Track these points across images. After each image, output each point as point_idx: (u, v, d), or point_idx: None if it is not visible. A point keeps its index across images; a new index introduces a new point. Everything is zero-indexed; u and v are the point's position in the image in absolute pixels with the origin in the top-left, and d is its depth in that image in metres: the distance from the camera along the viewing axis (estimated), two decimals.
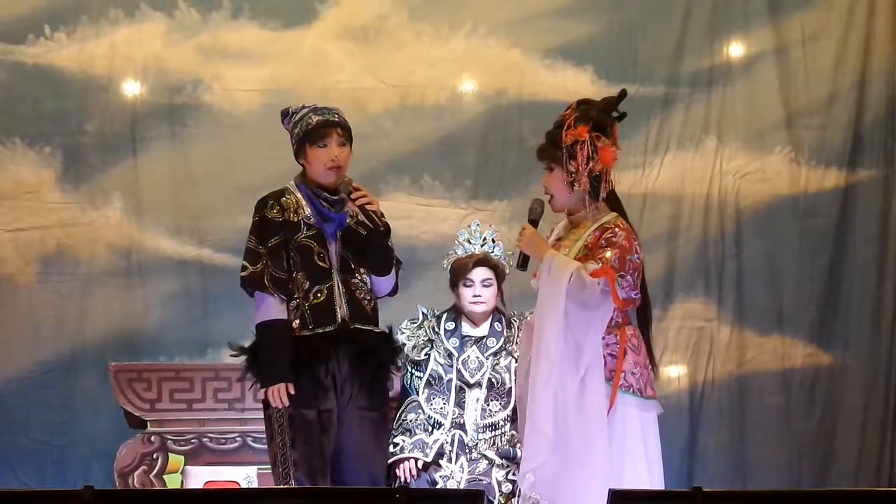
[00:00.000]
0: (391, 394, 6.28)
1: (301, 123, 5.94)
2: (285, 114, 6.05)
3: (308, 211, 5.89)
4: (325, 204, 5.88)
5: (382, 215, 5.92)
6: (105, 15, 7.79)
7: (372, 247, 5.91)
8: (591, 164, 5.57)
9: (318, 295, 5.80)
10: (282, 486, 5.82)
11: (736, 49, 8.00)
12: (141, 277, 7.73)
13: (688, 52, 7.96)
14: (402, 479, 6.25)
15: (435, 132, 7.93)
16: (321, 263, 5.83)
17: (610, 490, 4.76)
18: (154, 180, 7.78)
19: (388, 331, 6.05)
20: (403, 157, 7.84)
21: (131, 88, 7.81)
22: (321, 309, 5.80)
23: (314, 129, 5.90)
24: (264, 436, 7.40)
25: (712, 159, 7.95)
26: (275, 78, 7.84)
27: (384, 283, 6.01)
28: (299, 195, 5.92)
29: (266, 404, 5.86)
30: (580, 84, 7.82)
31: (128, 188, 7.77)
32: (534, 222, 5.70)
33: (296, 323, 5.80)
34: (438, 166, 7.91)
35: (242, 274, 5.88)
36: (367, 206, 5.84)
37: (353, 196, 5.86)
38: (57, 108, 7.76)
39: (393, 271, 6.00)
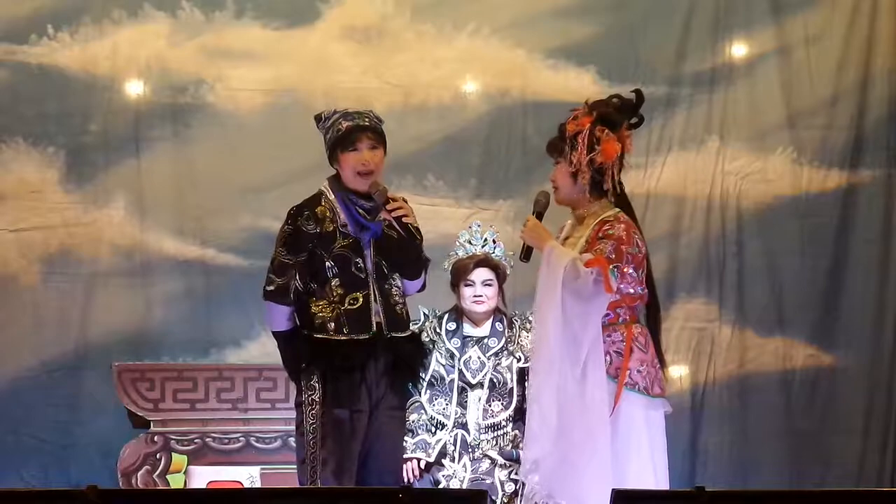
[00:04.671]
0: None
1: (332, 129, 5.83)
2: (318, 119, 5.90)
3: (343, 218, 5.78)
4: (360, 211, 5.79)
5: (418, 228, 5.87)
6: (108, 15, 7.79)
7: (408, 257, 5.87)
8: (591, 155, 5.59)
9: (354, 301, 5.74)
10: (285, 487, 5.82)
11: (738, 49, 8.01)
12: (144, 277, 7.74)
13: (690, 53, 7.97)
14: (405, 480, 6.25)
15: (438, 132, 7.93)
16: (358, 273, 5.76)
17: (613, 490, 4.77)
18: (157, 180, 7.79)
19: (417, 331, 6.08)
20: (407, 157, 7.83)
21: (134, 88, 7.82)
22: (357, 315, 5.74)
23: (344, 134, 5.80)
24: (267, 436, 7.49)
25: (714, 160, 7.96)
26: (278, 78, 7.85)
27: (414, 285, 5.99)
28: (334, 201, 5.80)
29: (299, 401, 5.82)
30: (583, 84, 7.83)
31: (131, 188, 7.78)
32: (538, 214, 5.71)
33: (330, 325, 5.73)
34: (442, 166, 7.91)
35: (269, 287, 5.73)
36: (404, 219, 5.78)
37: (388, 207, 5.78)
38: (60, 109, 7.77)
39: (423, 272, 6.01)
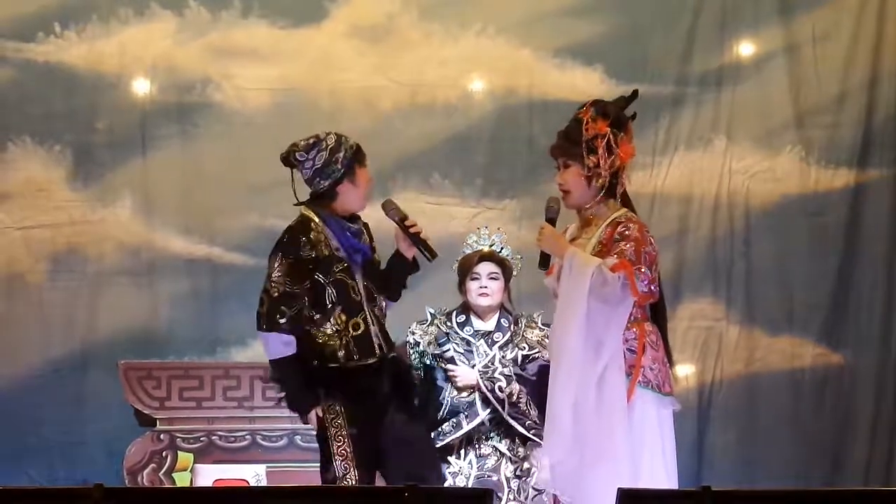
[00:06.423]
0: None
1: (345, 148, 5.78)
2: (311, 146, 5.77)
3: (334, 243, 5.77)
4: (349, 234, 5.80)
5: None
6: (115, 13, 7.80)
7: (405, 276, 5.90)
8: (611, 159, 5.59)
9: (357, 327, 5.76)
10: (291, 485, 5.81)
11: (746, 48, 8.00)
12: (150, 276, 7.75)
13: (697, 52, 7.96)
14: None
15: (445, 131, 7.93)
16: (355, 297, 5.79)
17: (618, 489, 4.76)
18: (164, 179, 7.79)
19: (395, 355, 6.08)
20: (413, 155, 7.84)
21: (141, 87, 7.82)
22: (362, 340, 5.76)
23: (358, 149, 5.82)
24: (273, 434, 7.49)
25: (721, 159, 7.95)
26: (285, 77, 7.85)
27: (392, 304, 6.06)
28: (323, 225, 5.77)
29: (324, 435, 5.78)
30: (590, 83, 7.83)
31: (137, 187, 7.79)
32: (551, 221, 5.68)
33: (340, 354, 5.74)
34: (448, 165, 7.91)
35: (282, 320, 5.67)
36: (422, 236, 5.82)
37: (406, 223, 5.82)
38: (67, 107, 7.78)
39: None
